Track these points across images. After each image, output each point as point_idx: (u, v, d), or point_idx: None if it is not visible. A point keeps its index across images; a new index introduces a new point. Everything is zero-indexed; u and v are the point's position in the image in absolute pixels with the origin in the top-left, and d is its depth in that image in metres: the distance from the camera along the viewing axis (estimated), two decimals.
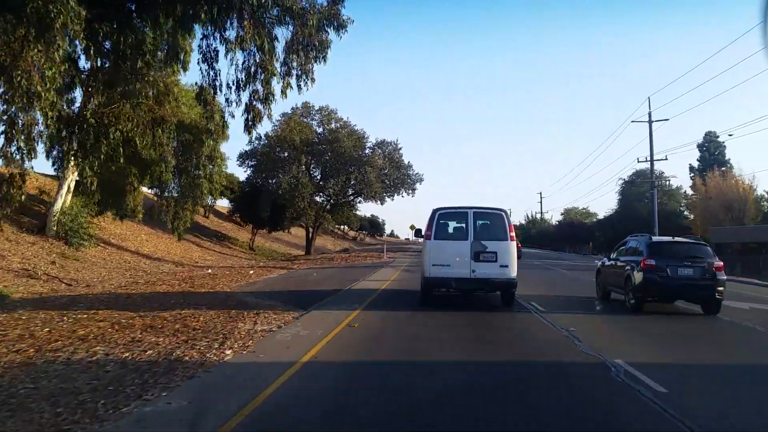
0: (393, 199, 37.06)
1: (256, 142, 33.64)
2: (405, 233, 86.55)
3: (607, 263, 12.83)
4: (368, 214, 76.68)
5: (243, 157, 34.00)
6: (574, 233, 67.95)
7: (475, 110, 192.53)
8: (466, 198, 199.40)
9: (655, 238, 11.84)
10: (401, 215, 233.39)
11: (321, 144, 33.94)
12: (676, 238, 12.29)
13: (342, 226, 68.19)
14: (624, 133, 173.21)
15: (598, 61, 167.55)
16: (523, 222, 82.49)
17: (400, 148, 35.61)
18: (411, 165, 36.14)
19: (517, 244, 12.22)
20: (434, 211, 10.70)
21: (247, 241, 35.59)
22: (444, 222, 10.87)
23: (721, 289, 10.29)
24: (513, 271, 10.15)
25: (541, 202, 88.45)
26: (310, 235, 36.51)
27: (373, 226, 75.40)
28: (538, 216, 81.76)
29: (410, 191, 36.21)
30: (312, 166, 35.39)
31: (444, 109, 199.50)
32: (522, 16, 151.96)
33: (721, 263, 10.64)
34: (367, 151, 34.24)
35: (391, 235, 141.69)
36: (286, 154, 32.44)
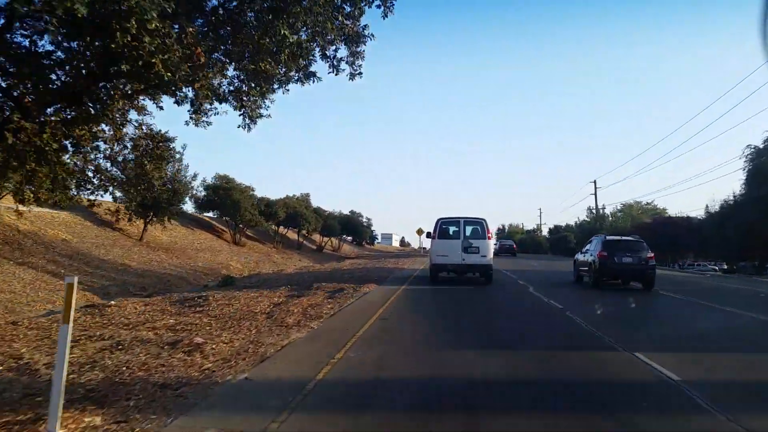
0: (269, 97, 9.68)
1: None
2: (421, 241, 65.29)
3: (580, 256, 18.70)
4: (344, 211, 49.67)
5: None
6: (673, 235, 40.80)
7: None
8: (497, 192, 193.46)
9: (608, 237, 17.96)
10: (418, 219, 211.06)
11: None
12: (623, 237, 18.35)
13: (300, 228, 40.98)
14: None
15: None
16: (586, 218, 55.55)
17: None
18: None
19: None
20: (438, 220, 17.01)
21: None
22: (445, 227, 16.94)
23: (651, 272, 15.84)
24: (490, 259, 16.51)
25: (595, 193, 62.46)
26: None
27: (350, 228, 47.92)
28: (600, 211, 54.20)
29: (331, 64, 9.12)
30: None
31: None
32: None
33: (653, 254, 16.22)
34: None
35: (402, 243, 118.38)
36: None
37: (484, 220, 16.92)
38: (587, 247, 18.05)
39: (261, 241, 38.60)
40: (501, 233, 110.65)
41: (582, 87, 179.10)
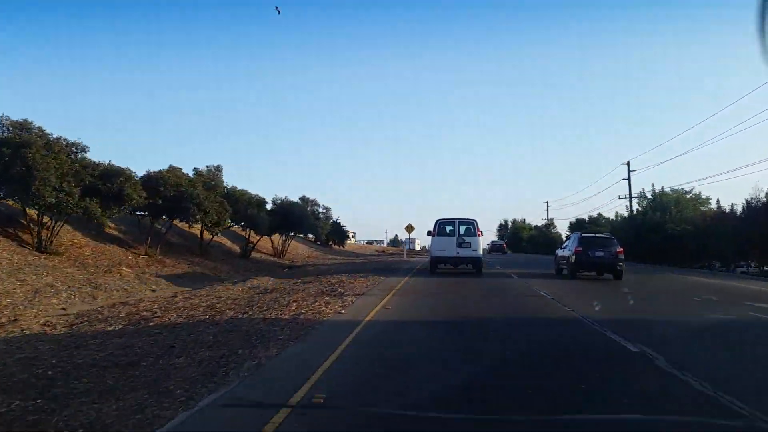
0: None
1: None
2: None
3: (560, 251, 21.25)
4: (290, 197, 34.17)
5: None
6: None
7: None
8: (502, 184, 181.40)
9: (584, 234, 19.84)
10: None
11: None
12: (597, 235, 20.69)
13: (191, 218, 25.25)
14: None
15: None
16: (638, 208, 41.00)
17: None
18: None
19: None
20: (437, 221, 20.32)
21: None
22: (442, 226, 20.18)
23: (620, 264, 18.05)
24: (480, 253, 20.17)
25: (629, 178, 48.67)
26: None
27: (293, 220, 31.70)
28: (658, 198, 38.93)
29: None
30: None
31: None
32: None
33: (621, 248, 18.49)
34: None
35: (394, 242, 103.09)
36: None
37: (475, 220, 20.40)
38: (566, 243, 21.10)
39: (129, 244, 23.15)
40: (503, 230, 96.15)
41: (588, 68, 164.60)
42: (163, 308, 10.79)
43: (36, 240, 17.66)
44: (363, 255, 47.62)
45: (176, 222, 25.52)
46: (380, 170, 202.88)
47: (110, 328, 8.64)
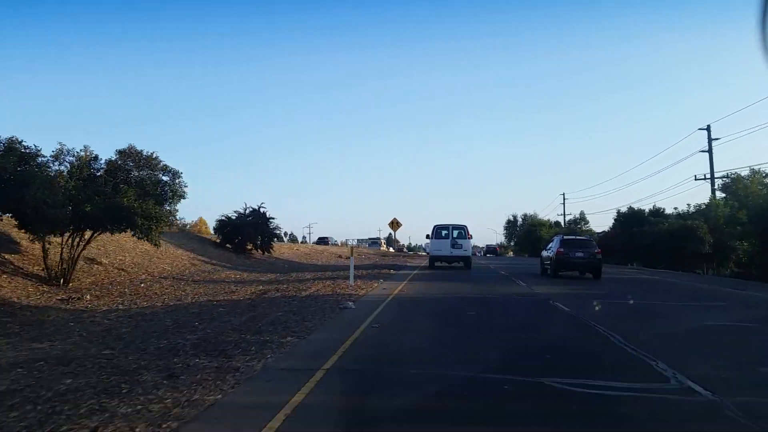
0: None
1: None
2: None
3: (544, 253, 23.19)
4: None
5: None
6: None
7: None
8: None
9: (565, 237, 22.49)
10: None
11: None
12: (577, 237, 25.36)
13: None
14: None
15: None
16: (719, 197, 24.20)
17: None
18: None
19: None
20: (434, 226, 25.65)
21: None
22: (439, 230, 25.55)
23: (598, 264, 19.97)
24: (470, 253, 26.09)
25: (710, 150, 36.32)
26: None
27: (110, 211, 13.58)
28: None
29: None
30: None
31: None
32: None
33: (599, 249, 20.57)
34: None
35: (390, 240, 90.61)
36: None
37: (466, 226, 25.83)
38: (550, 245, 22.58)
39: None
40: (512, 227, 79.90)
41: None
42: None
43: None
44: (300, 268, 29.46)
45: None
46: (376, 170, 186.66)
47: None
